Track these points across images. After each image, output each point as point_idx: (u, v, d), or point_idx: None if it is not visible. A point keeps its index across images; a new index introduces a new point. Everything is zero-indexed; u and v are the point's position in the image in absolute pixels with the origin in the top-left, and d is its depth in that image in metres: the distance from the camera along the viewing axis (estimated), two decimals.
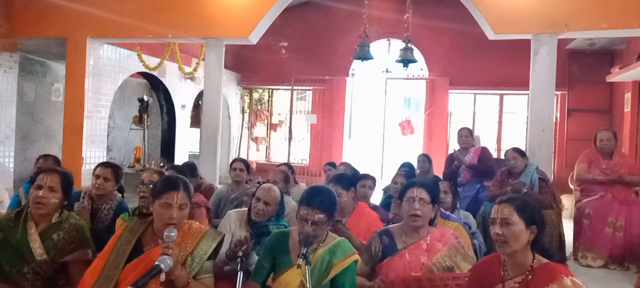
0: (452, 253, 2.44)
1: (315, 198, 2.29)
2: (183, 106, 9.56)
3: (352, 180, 3.46)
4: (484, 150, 5.49)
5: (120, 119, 10.06)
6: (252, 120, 11.53)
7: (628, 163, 5.12)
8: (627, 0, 4.89)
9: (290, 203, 3.56)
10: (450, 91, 9.79)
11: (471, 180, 5.31)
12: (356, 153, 11.66)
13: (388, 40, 9.89)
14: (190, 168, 4.45)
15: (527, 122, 6.88)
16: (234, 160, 4.42)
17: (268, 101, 11.56)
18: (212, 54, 6.09)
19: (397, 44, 8.48)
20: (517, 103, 9.85)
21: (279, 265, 2.36)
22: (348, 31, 9.75)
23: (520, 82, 7.49)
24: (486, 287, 2.08)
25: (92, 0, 6.34)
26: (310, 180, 9.54)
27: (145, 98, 9.32)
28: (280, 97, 11.44)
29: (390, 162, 9.13)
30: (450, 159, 5.64)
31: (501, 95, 9.84)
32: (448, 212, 3.37)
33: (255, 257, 2.55)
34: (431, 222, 2.62)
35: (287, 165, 5.04)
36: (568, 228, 5.13)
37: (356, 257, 2.34)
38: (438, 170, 6.11)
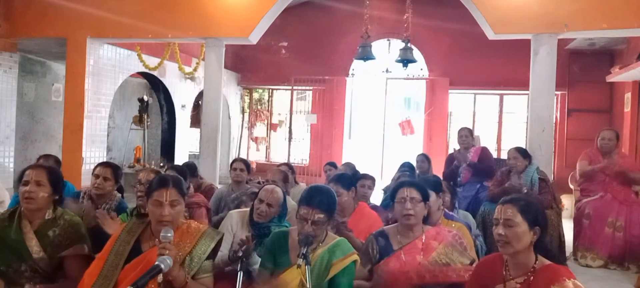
0: (448, 250, 2.45)
1: (315, 198, 2.30)
2: (183, 106, 9.56)
3: (353, 180, 3.47)
4: (484, 150, 5.49)
5: (120, 119, 10.05)
6: (252, 120, 11.53)
7: (628, 163, 5.13)
8: (627, 0, 4.89)
9: (290, 203, 3.56)
10: (450, 91, 9.79)
11: (471, 180, 5.31)
12: (356, 153, 11.65)
13: (388, 40, 9.89)
14: (190, 168, 4.45)
15: (527, 122, 6.89)
16: (234, 160, 4.42)
17: (268, 101, 11.56)
18: (212, 54, 6.09)
19: (397, 44, 8.47)
20: (517, 103, 9.86)
21: (279, 265, 2.36)
22: (348, 31, 9.76)
23: (520, 82, 7.49)
24: (488, 286, 2.08)
25: (92, 0, 6.34)
26: (310, 180, 9.54)
27: (145, 98, 9.32)
28: (280, 97, 11.44)
29: (390, 162, 9.13)
30: (450, 159, 5.64)
31: (501, 95, 9.84)
32: (452, 213, 3.37)
33: (256, 258, 2.55)
34: (428, 221, 2.63)
35: (287, 165, 5.05)
36: (568, 228, 5.13)
37: (355, 256, 2.35)
38: (438, 170, 6.11)
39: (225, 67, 6.99)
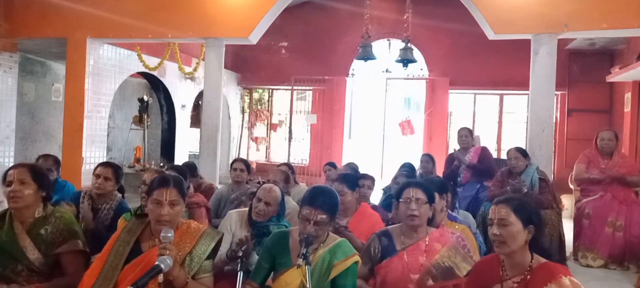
0: (451, 254, 2.44)
1: (318, 198, 2.29)
2: (183, 106, 9.56)
3: (358, 180, 3.47)
4: (484, 150, 5.48)
5: (120, 119, 10.05)
6: (252, 120, 11.53)
7: (628, 163, 5.12)
8: (627, 0, 4.89)
9: (291, 203, 3.56)
10: (450, 91, 9.79)
11: (471, 180, 5.31)
12: (356, 153, 11.66)
13: (388, 40, 9.89)
14: (190, 168, 4.45)
15: (527, 122, 6.89)
16: (234, 160, 4.42)
17: (268, 101, 11.56)
18: (212, 54, 6.09)
19: (397, 44, 8.48)
20: (517, 103, 9.86)
21: (279, 265, 2.36)
22: (348, 31, 9.76)
23: (520, 82, 7.49)
24: (485, 287, 2.08)
25: (92, 0, 6.34)
26: (311, 180, 9.54)
27: (145, 98, 9.32)
28: (280, 97, 11.43)
29: (390, 162, 9.14)
30: (450, 159, 5.63)
31: (501, 95, 9.84)
32: (455, 214, 3.37)
33: (255, 257, 2.54)
34: (432, 222, 2.63)
35: (287, 165, 5.04)
36: (568, 228, 5.12)
37: (357, 257, 2.34)
38: (438, 170, 6.10)
39: (225, 67, 6.99)
